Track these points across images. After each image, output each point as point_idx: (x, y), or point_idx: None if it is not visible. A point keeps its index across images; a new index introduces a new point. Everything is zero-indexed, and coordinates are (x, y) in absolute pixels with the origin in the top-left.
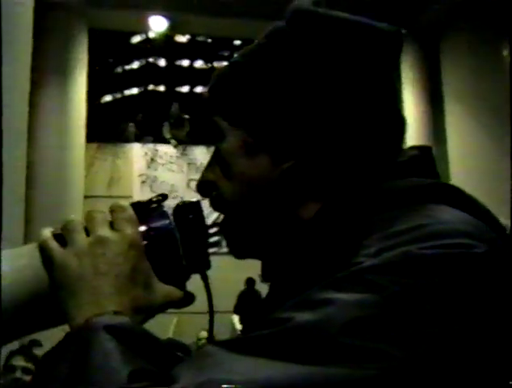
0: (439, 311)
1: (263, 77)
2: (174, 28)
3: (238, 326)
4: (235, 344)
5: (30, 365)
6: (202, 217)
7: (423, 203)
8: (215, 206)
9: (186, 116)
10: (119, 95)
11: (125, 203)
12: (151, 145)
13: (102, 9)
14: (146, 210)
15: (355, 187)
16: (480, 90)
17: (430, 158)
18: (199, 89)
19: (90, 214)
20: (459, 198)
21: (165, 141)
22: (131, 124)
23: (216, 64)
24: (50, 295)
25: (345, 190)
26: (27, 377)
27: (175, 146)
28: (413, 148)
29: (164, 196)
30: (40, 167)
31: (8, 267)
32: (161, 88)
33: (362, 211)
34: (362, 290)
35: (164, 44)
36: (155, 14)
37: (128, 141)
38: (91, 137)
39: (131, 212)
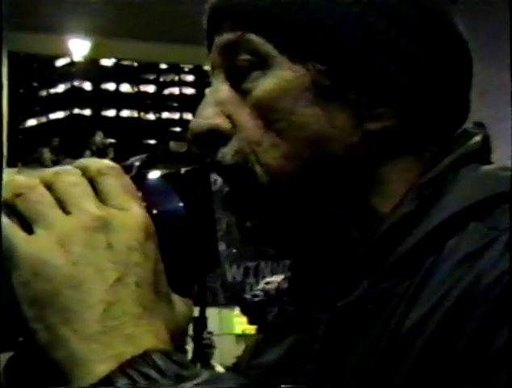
0: None
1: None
2: (95, 52)
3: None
4: None
5: None
6: (211, 194)
7: None
8: (225, 170)
9: (112, 140)
10: (44, 119)
11: (113, 164)
12: None
13: (22, 32)
14: (138, 178)
15: (444, 170)
16: None
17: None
18: (125, 113)
19: (59, 177)
20: None
21: None
22: (45, 149)
23: (142, 87)
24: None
25: (436, 177)
26: None
27: None
28: (476, 126)
29: (153, 158)
30: None
31: None
32: (87, 112)
33: (463, 209)
34: None
35: (89, 68)
36: (75, 37)
37: (46, 166)
38: (13, 161)
39: (128, 179)
